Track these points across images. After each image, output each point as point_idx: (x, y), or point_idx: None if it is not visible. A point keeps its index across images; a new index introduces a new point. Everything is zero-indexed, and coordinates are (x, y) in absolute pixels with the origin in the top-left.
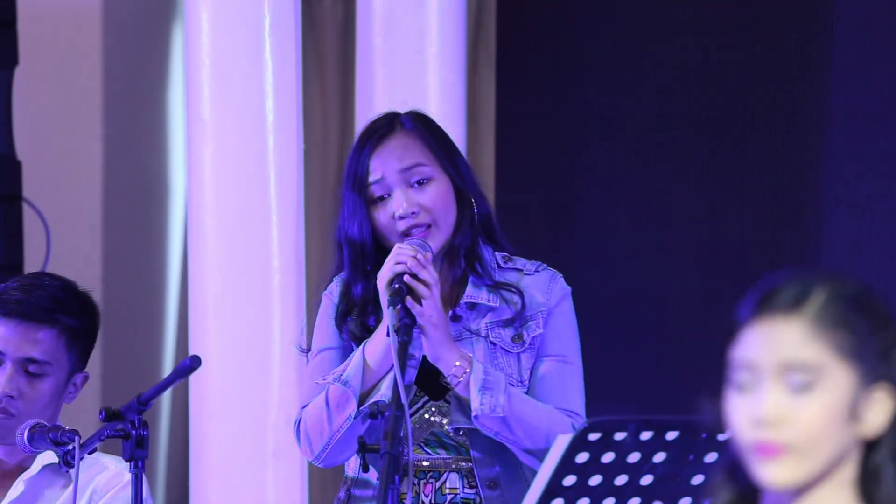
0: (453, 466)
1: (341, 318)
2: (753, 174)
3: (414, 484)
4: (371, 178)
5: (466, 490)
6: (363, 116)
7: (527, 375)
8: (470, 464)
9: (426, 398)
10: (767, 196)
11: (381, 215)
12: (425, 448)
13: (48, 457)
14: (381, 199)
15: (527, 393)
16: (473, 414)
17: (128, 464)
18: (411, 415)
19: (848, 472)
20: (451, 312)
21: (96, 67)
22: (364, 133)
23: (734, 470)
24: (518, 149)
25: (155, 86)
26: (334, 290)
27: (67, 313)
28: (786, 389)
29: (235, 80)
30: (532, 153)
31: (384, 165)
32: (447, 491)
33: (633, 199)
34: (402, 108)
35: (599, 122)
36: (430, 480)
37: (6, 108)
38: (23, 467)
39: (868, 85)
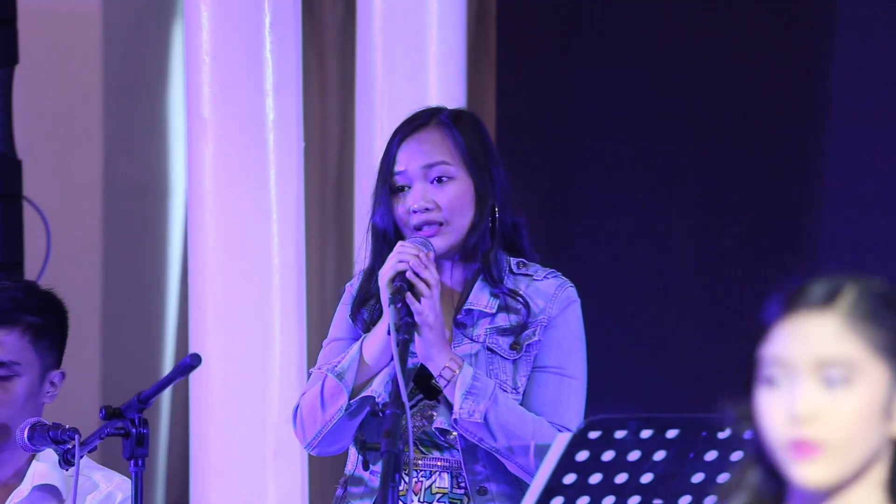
0: (445, 466)
1: (357, 307)
2: (754, 172)
3: (405, 481)
4: (396, 169)
5: (455, 490)
6: (363, 115)
7: (522, 382)
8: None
9: (420, 397)
10: (768, 194)
11: (400, 206)
12: (419, 447)
13: (39, 476)
14: (403, 189)
15: (522, 402)
16: (453, 417)
17: (120, 480)
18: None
19: (878, 474)
20: (454, 319)
21: (96, 66)
22: (401, 123)
23: (759, 469)
24: (518, 148)
25: (155, 84)
26: (356, 282)
27: (28, 311)
28: (821, 385)
29: (235, 78)
30: (532, 152)
31: (409, 158)
32: (436, 490)
33: (633, 198)
34: (402, 107)
35: (599, 121)
36: (421, 479)
37: (6, 106)
38: (9, 486)
39: (869, 83)
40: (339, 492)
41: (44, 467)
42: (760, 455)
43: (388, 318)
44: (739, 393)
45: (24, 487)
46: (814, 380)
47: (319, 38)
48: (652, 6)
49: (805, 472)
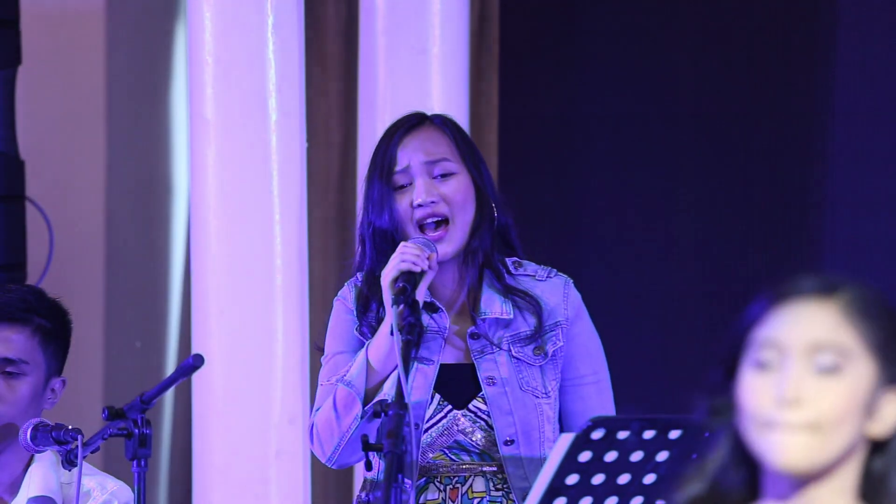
0: (478, 470)
1: (362, 312)
2: (756, 173)
3: (440, 490)
4: (397, 168)
5: (493, 493)
6: (366, 116)
7: (552, 387)
8: (494, 467)
9: (450, 407)
10: (770, 195)
11: (400, 203)
12: (448, 454)
13: (35, 487)
14: (403, 187)
15: (561, 414)
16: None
17: (115, 487)
18: (435, 423)
19: (849, 476)
20: (469, 330)
21: (99, 66)
22: (393, 125)
23: (729, 459)
24: (521, 150)
25: (158, 85)
26: (347, 294)
27: (39, 313)
28: (812, 370)
29: (238, 79)
30: (535, 154)
31: (411, 156)
32: (473, 495)
33: (635, 199)
34: (405, 109)
35: (602, 123)
36: (457, 485)
37: (9, 107)
38: (3, 502)
39: (870, 84)
40: (369, 497)
41: (40, 475)
42: (736, 442)
43: (390, 319)
44: (714, 389)
45: (20, 500)
46: (806, 364)
47: (322, 39)
48: (655, 7)
49: (783, 451)
